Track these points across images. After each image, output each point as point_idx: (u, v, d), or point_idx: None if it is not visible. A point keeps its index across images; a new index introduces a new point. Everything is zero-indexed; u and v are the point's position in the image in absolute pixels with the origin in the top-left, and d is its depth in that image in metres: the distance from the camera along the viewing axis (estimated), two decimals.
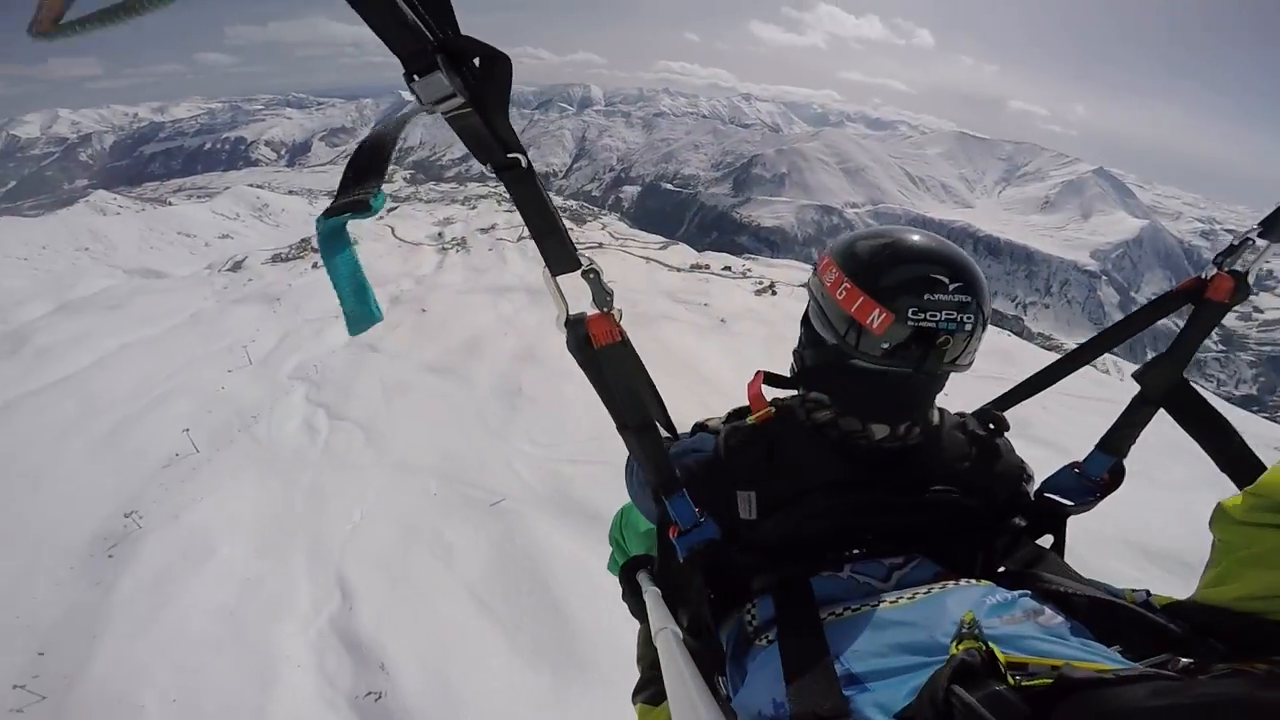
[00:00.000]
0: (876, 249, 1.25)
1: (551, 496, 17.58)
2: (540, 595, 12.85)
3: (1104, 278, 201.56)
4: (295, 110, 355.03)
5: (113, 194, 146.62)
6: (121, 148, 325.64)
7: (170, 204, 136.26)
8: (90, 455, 26.01)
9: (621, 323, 1.22)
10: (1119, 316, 1.48)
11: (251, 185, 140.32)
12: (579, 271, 1.15)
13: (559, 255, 1.11)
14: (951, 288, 1.17)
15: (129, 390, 32.20)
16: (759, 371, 1.51)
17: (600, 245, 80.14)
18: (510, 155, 0.98)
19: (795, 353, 1.50)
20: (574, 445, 20.34)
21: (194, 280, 58.99)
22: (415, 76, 0.81)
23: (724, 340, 34.17)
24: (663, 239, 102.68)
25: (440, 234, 75.57)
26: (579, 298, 1.21)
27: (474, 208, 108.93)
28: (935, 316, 1.17)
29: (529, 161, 0.99)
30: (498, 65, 0.88)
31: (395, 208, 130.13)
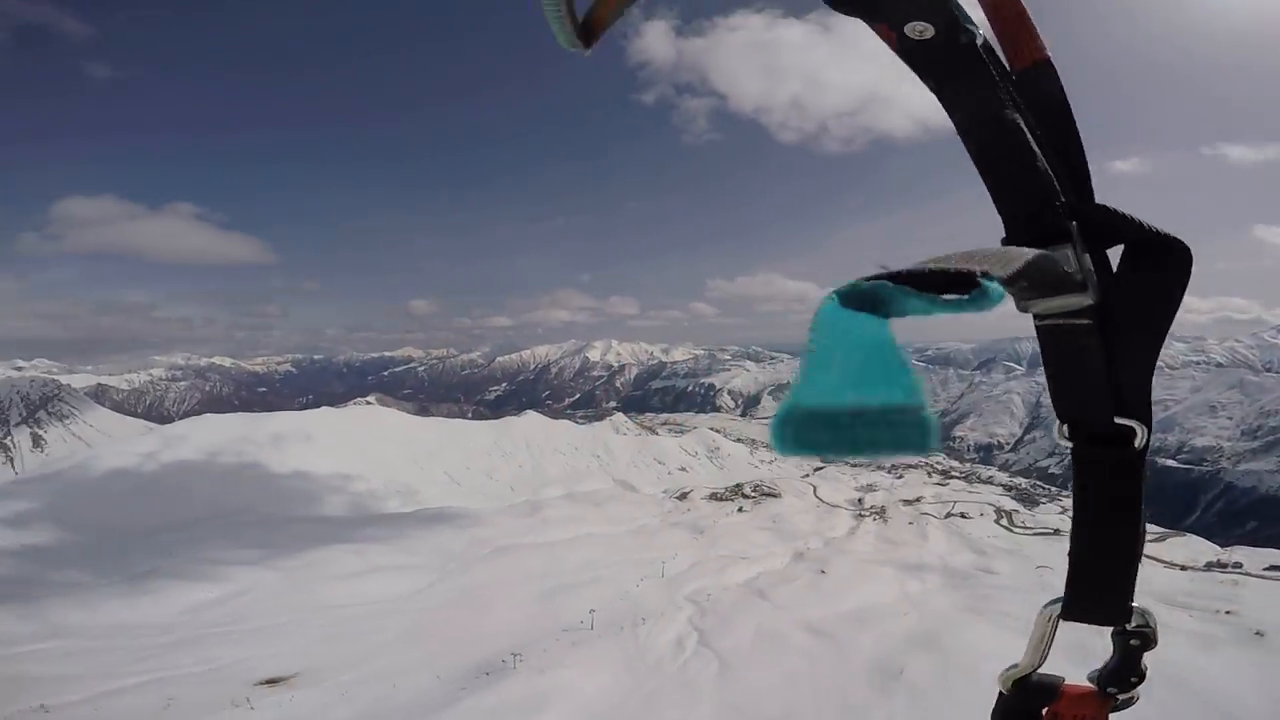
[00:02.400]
0: None
1: None
2: None
3: None
4: (752, 363, 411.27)
5: (626, 417, 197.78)
6: (639, 380, 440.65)
7: (656, 434, 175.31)
8: (528, 601, 33.49)
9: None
10: None
11: (712, 429, 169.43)
12: (1114, 629, 0.83)
13: (1102, 595, 0.80)
14: None
15: (576, 566, 40.86)
16: None
17: (1056, 532, 66.34)
18: (1122, 422, 0.67)
19: None
20: None
21: (652, 500, 73.50)
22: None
23: (1259, 658, 25.20)
24: (1159, 529, 78.09)
25: (860, 500, 75.78)
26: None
27: (900, 477, 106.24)
28: None
29: (1148, 436, 0.69)
30: (1166, 261, 0.61)
31: (821, 468, 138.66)
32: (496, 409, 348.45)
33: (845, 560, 44.99)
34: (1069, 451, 0.67)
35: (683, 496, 77.39)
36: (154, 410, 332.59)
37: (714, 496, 76.17)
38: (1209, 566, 53.77)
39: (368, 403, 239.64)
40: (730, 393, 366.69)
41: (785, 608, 32.32)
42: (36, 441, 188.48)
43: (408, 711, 16.47)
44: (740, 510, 68.56)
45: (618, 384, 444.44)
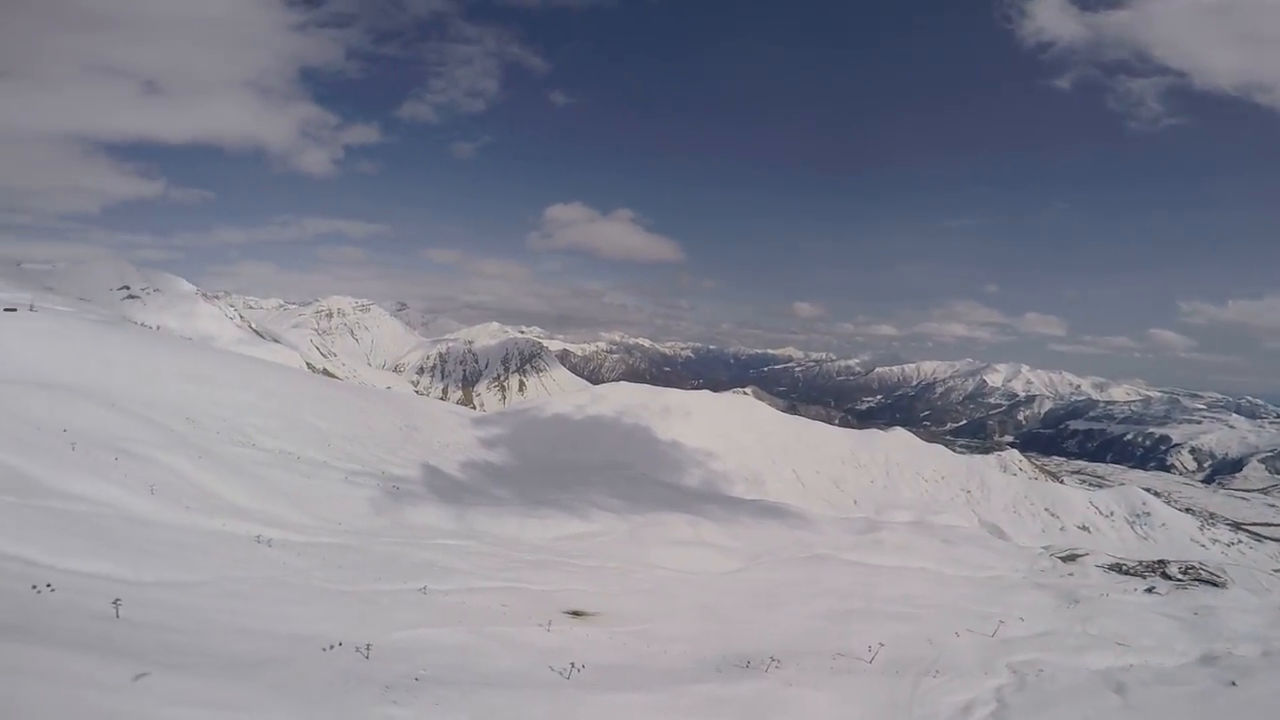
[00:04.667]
0: None
1: None
2: None
3: None
4: (1242, 419, 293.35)
5: (1023, 456, 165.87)
6: (1052, 416, 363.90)
7: (1061, 482, 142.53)
8: (819, 614, 30.71)
9: None
10: None
11: (1148, 490, 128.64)
12: None
13: None
14: None
15: (890, 596, 35.96)
16: None
17: None
18: None
19: None
20: None
21: (1021, 552, 59.97)
22: None
23: None
24: None
25: None
26: None
27: None
28: None
29: None
30: None
31: None
32: (865, 420, 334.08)
33: None
34: None
35: (1070, 559, 61.20)
36: (594, 374, 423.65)
37: (1117, 567, 57.83)
38: None
39: (745, 393, 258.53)
40: (1194, 451, 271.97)
41: (1141, 710, 22.99)
42: (520, 386, 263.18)
43: (658, 672, 17.75)
44: (1150, 591, 50.62)
45: (1020, 417, 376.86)
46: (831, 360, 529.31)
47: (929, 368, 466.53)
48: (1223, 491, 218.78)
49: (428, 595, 20.10)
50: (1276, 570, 76.88)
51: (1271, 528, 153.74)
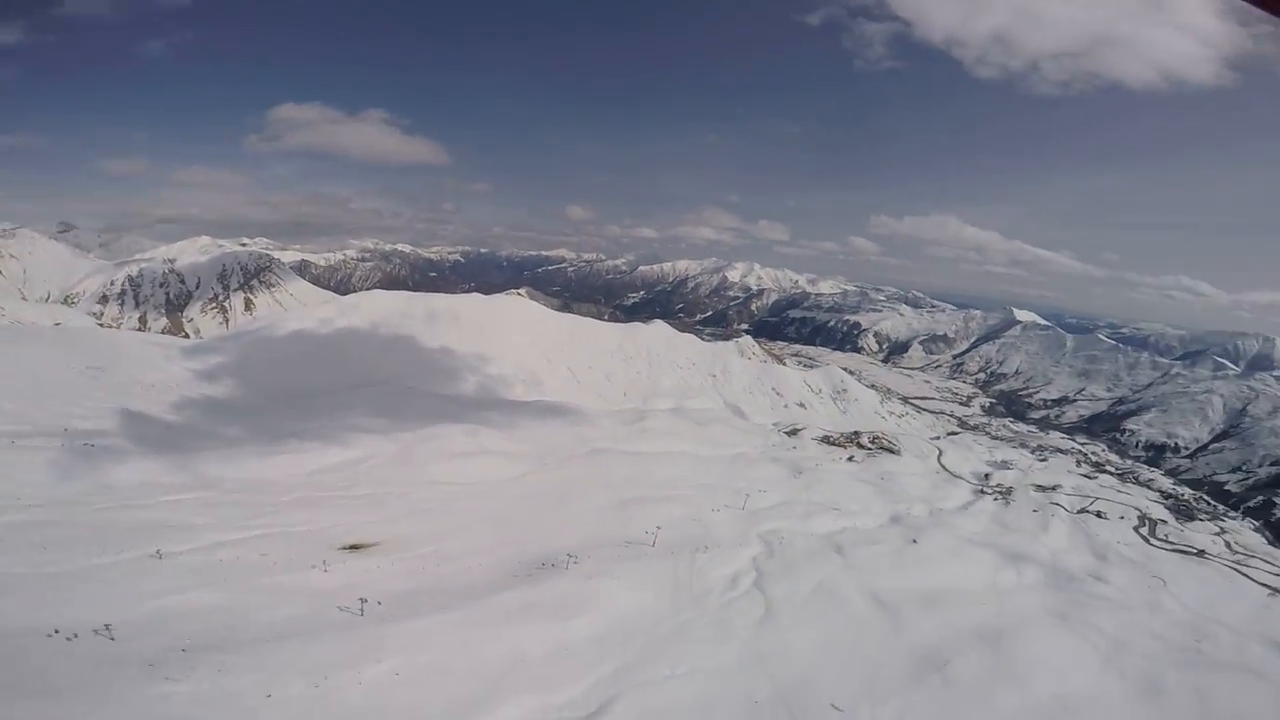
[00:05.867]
0: None
1: None
2: None
3: None
4: (908, 308, 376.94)
5: (755, 341, 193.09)
6: (776, 307, 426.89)
7: (783, 364, 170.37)
8: (604, 506, 33.17)
9: None
10: None
11: (845, 369, 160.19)
12: None
13: None
14: None
15: (660, 481, 40.35)
16: None
17: (1200, 553, 54.21)
18: None
19: None
20: None
21: (758, 430, 71.60)
22: None
23: None
24: None
25: (987, 475, 68.52)
26: None
27: (1044, 460, 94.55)
28: None
29: None
30: None
31: (956, 433, 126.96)
32: (631, 314, 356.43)
33: (943, 534, 41.73)
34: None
35: (793, 433, 74.82)
36: (343, 285, 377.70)
37: (826, 440, 72.75)
38: None
39: (519, 294, 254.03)
40: (876, 335, 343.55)
41: (858, 569, 30.57)
42: (248, 305, 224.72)
43: (459, 590, 17.57)
44: (850, 460, 65.09)
45: (753, 307, 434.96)
46: (601, 260, 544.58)
47: (682, 266, 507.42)
48: (896, 369, 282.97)
49: (164, 560, 16.81)
50: (933, 438, 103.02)
51: (927, 400, 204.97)
